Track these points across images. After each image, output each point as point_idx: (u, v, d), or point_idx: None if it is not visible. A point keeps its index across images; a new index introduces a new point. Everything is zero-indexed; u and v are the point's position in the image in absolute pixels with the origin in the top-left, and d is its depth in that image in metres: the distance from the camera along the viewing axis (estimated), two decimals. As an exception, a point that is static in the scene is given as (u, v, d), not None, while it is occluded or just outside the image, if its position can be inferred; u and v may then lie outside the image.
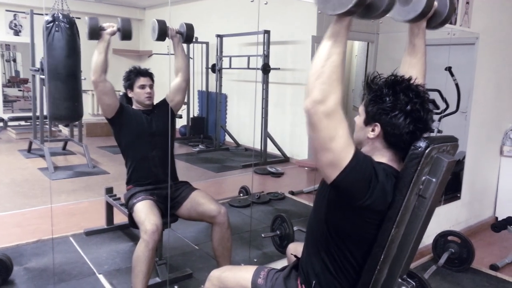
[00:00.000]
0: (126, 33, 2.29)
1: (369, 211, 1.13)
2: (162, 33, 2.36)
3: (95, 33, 2.20)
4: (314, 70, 1.04)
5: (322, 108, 1.01)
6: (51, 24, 3.18)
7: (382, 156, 1.22)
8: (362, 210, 1.12)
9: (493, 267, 2.99)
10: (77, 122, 5.12)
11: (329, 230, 1.22)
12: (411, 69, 1.39)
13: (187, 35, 2.47)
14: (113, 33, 2.26)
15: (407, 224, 1.19)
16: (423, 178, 1.16)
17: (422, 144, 1.13)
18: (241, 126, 6.09)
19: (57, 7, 3.88)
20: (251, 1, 2.01)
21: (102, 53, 2.21)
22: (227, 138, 6.18)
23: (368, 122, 1.22)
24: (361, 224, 1.16)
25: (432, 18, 1.40)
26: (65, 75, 3.19)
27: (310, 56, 4.75)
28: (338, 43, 1.03)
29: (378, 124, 1.19)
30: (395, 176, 1.17)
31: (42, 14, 4.83)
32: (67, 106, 3.28)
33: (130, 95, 2.42)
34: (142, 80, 2.38)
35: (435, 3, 1.35)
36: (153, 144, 2.35)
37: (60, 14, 3.24)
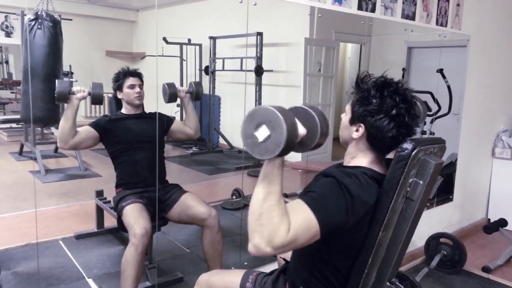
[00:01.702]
0: (97, 98, 2.21)
1: (355, 225, 1.12)
2: (173, 96, 2.41)
3: (64, 97, 2.11)
4: (252, 212, 1.01)
5: (268, 250, 0.97)
6: (34, 21, 3.11)
7: (364, 158, 1.21)
8: (349, 229, 1.11)
9: (485, 269, 2.99)
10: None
11: (315, 245, 1.20)
12: None
13: (197, 93, 2.51)
14: (83, 98, 2.18)
15: (394, 226, 1.18)
16: (410, 180, 1.15)
17: (408, 146, 1.12)
18: (235, 128, 6.07)
19: (41, 7, 3.82)
20: (240, 2, 2.00)
21: (70, 119, 2.15)
22: (221, 140, 6.17)
23: (353, 121, 1.21)
24: (349, 236, 1.15)
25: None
26: (45, 75, 3.06)
27: (303, 58, 4.75)
28: (273, 182, 1.02)
29: (363, 125, 1.18)
30: (376, 178, 1.16)
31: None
32: (45, 107, 3.09)
33: (119, 96, 2.40)
34: (131, 80, 2.36)
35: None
36: (142, 148, 2.33)
37: (43, 13, 3.17)
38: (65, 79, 3.68)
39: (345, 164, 1.25)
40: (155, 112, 2.41)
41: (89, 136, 2.27)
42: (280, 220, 0.98)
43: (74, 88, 2.16)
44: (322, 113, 1.17)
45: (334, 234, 1.11)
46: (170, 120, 2.51)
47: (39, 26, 3.10)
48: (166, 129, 2.49)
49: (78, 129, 2.23)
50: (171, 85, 2.42)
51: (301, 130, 1.08)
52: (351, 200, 1.08)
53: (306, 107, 1.18)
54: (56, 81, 2.14)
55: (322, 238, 1.06)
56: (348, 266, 1.20)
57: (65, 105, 2.18)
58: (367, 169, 1.18)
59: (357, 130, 1.20)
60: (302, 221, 1.03)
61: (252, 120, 1.01)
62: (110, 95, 2.48)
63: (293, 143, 1.00)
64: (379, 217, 1.13)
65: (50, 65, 3.16)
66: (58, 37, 3.21)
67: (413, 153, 1.11)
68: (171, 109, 3.04)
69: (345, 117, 1.25)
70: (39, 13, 3.15)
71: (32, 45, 3.10)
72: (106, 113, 2.85)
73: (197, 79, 6.32)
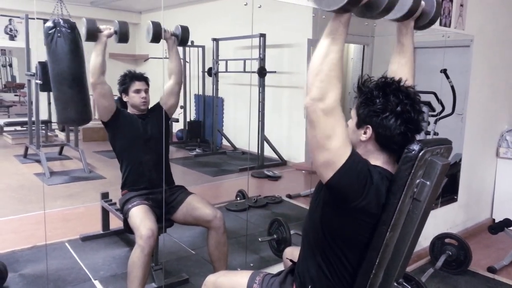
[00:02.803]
0: (123, 36, 2.30)
1: (363, 213, 1.13)
2: (157, 35, 2.36)
3: (93, 35, 2.22)
4: (312, 67, 1.05)
5: (320, 105, 1.03)
6: (53, 30, 3.18)
7: (376, 159, 1.21)
8: (356, 212, 1.12)
9: (491, 270, 2.98)
10: (72, 128, 5.10)
11: (324, 233, 1.22)
12: (400, 69, 1.39)
13: (182, 37, 2.47)
14: (110, 35, 2.28)
15: (402, 227, 1.19)
16: (417, 181, 1.15)
17: (415, 147, 1.12)
18: (238, 130, 6.09)
19: (56, 12, 3.88)
20: (245, 5, 2.01)
21: (99, 55, 2.24)
22: (224, 142, 6.18)
23: (360, 125, 1.22)
24: (356, 226, 1.16)
25: (420, 18, 1.41)
26: (71, 80, 3.20)
27: (306, 59, 4.75)
28: (336, 41, 1.04)
29: (370, 127, 1.19)
30: (389, 179, 1.17)
31: (34, 19, 4.83)
32: (76, 109, 3.32)
33: (125, 99, 2.41)
34: (137, 85, 2.37)
35: (422, 3, 1.36)
36: (148, 149, 2.34)
37: (60, 20, 3.24)
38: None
39: None
40: (155, 105, 2.43)
41: (111, 99, 2.30)
42: (337, 82, 1.04)
43: (101, 26, 2.26)
44: None
45: (338, 209, 1.15)
46: (157, 103, 2.49)
47: (58, 35, 3.19)
48: (164, 112, 2.41)
49: None
50: (156, 24, 2.36)
51: None
52: (371, 185, 1.11)
53: None
54: (85, 19, 2.21)
55: (327, 184, 1.09)
56: (355, 265, 1.21)
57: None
58: (382, 169, 1.19)
59: (365, 133, 1.20)
60: (346, 132, 1.10)
61: None
62: (116, 97, 2.49)
63: None
64: (387, 217, 1.13)
65: (75, 70, 3.30)
66: (78, 42, 3.31)
67: (420, 154, 1.11)
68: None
69: (351, 122, 1.26)
70: (56, 20, 3.21)
71: (56, 55, 3.22)
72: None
73: (200, 81, 6.35)
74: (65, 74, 3.19)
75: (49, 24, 3.19)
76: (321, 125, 1.05)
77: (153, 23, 2.35)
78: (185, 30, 2.47)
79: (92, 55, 2.24)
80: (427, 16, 1.40)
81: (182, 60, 2.42)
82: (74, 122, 4.28)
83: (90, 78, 2.23)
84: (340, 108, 1.06)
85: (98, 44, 2.25)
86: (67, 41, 3.22)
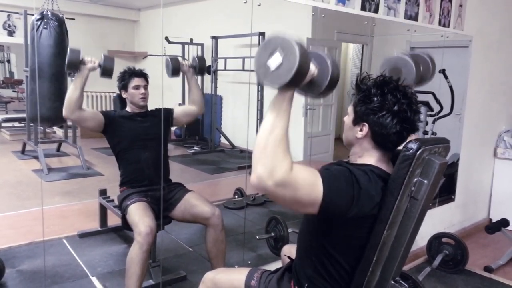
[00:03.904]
0: (107, 71, 2.19)
1: (358, 218, 1.13)
2: (176, 69, 2.39)
3: (75, 66, 2.11)
4: (257, 143, 1.02)
5: (269, 182, 0.97)
6: (40, 21, 3.13)
7: (371, 157, 1.22)
8: (350, 220, 1.12)
9: (487, 269, 3.00)
10: (70, 123, 5.08)
11: (320, 240, 1.22)
12: None
13: (200, 68, 2.50)
14: (93, 69, 2.19)
15: (399, 226, 1.19)
16: (415, 179, 1.16)
17: (413, 145, 1.13)
18: (237, 128, 6.08)
19: (46, 6, 3.85)
20: (244, 2, 2.01)
21: (78, 89, 2.15)
22: (223, 140, 6.18)
23: (356, 122, 1.22)
24: (352, 230, 1.17)
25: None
26: (52, 74, 3.09)
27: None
28: (280, 116, 1.03)
29: (366, 124, 1.20)
30: (383, 177, 1.17)
31: (33, 15, 4.80)
32: (54, 106, 3.11)
33: (124, 96, 2.41)
34: (136, 81, 2.37)
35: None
36: (147, 147, 2.35)
37: (49, 12, 3.20)
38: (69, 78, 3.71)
39: (351, 162, 1.27)
40: (159, 108, 2.42)
41: (96, 117, 2.28)
42: (284, 156, 1.00)
43: (86, 58, 2.16)
44: (334, 59, 1.14)
45: (333, 221, 1.13)
46: (171, 110, 2.50)
47: (45, 26, 3.12)
48: (170, 120, 2.48)
49: (87, 109, 2.25)
50: (174, 59, 2.39)
51: (313, 67, 1.08)
52: (359, 191, 1.10)
53: (318, 52, 1.15)
54: (69, 48, 2.13)
55: (319, 214, 1.07)
56: (352, 263, 1.21)
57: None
58: (375, 167, 1.19)
59: (361, 130, 1.21)
60: (309, 177, 1.05)
61: (267, 48, 1.03)
62: (114, 94, 2.49)
63: (304, 72, 1.00)
64: (384, 216, 1.14)
65: (56, 64, 3.17)
66: (64, 36, 3.23)
67: (418, 152, 1.12)
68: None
69: (348, 118, 1.26)
70: (44, 12, 3.17)
71: (39, 45, 3.12)
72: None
73: (199, 79, 6.33)
74: (45, 67, 3.09)
75: (37, 15, 3.15)
76: (280, 197, 1.00)
77: (171, 59, 2.38)
78: (201, 60, 2.51)
79: (69, 88, 2.14)
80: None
81: (180, 58, 2.41)
82: (49, 121, 3.81)
83: (64, 111, 2.14)
84: (294, 173, 0.99)
85: (78, 76, 2.15)
86: (53, 33, 3.16)
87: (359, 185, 1.10)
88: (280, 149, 1.00)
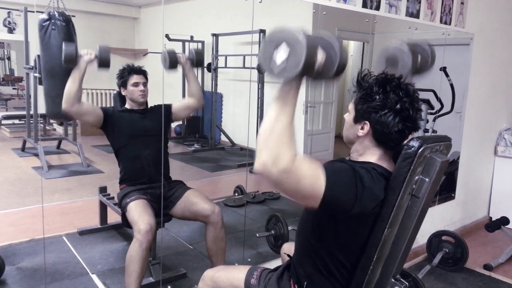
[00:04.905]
0: (103, 61, 2.19)
1: (360, 216, 1.13)
2: (173, 62, 2.37)
3: (72, 59, 2.13)
4: (263, 131, 1.01)
5: (274, 169, 0.97)
6: (47, 22, 3.16)
7: (372, 155, 1.21)
8: (352, 218, 1.12)
9: (487, 267, 3.00)
10: (71, 121, 5.08)
11: (320, 237, 1.21)
12: None
13: (197, 60, 2.49)
14: (90, 61, 2.19)
15: (400, 224, 1.19)
16: (416, 177, 1.16)
17: (415, 143, 1.13)
18: (237, 126, 6.07)
19: (52, 5, 3.85)
20: (246, 0, 2.00)
21: (76, 81, 2.16)
22: (223, 138, 6.17)
23: (357, 120, 1.22)
24: (353, 228, 1.16)
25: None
26: (63, 73, 3.15)
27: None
28: (287, 105, 1.02)
29: (367, 122, 1.19)
30: (385, 175, 1.17)
31: (33, 12, 4.80)
32: None
33: (123, 93, 2.41)
34: (135, 78, 2.36)
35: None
36: (146, 144, 2.34)
37: (56, 12, 3.22)
38: None
39: (353, 160, 1.26)
40: (158, 105, 2.42)
41: (95, 112, 2.28)
42: (288, 145, 0.99)
43: (82, 51, 2.17)
44: (341, 42, 1.08)
45: (337, 218, 1.13)
46: (169, 106, 2.50)
47: (53, 27, 3.16)
48: (170, 116, 2.47)
49: (87, 103, 2.26)
50: (171, 52, 2.37)
51: (320, 55, 1.04)
52: (363, 190, 1.09)
53: (325, 36, 1.09)
54: (63, 43, 2.14)
55: (320, 208, 1.07)
56: (353, 261, 1.21)
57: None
58: (377, 166, 1.19)
59: (362, 128, 1.20)
60: (313, 169, 1.04)
61: (272, 42, 1.00)
62: (114, 91, 2.48)
63: (312, 64, 0.98)
64: (385, 213, 1.13)
65: None
66: (72, 35, 3.29)
67: (420, 150, 1.12)
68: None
69: (349, 116, 1.25)
70: (51, 13, 3.19)
71: (49, 46, 3.17)
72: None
73: (199, 76, 6.33)
74: (57, 67, 3.15)
75: (44, 16, 3.17)
76: (283, 185, 1.00)
77: (168, 52, 2.36)
78: (198, 53, 2.49)
79: (68, 81, 2.16)
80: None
81: (180, 54, 2.40)
82: (63, 116, 3.98)
83: (63, 104, 2.15)
84: (297, 161, 0.99)
85: (76, 70, 2.16)
86: (61, 34, 3.19)
87: (363, 184, 1.10)
88: (285, 138, 1.00)
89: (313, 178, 1.03)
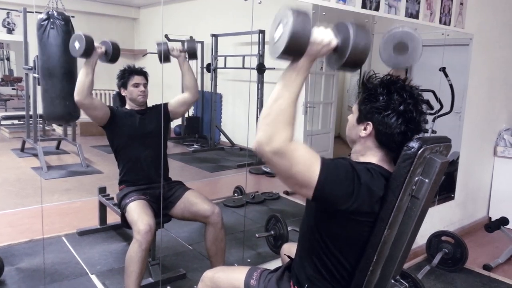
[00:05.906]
0: (115, 56, 2.30)
1: (358, 214, 1.12)
2: (166, 55, 2.37)
3: (90, 51, 2.20)
4: (263, 110, 1.04)
5: (267, 148, 0.99)
6: (46, 21, 3.15)
7: (373, 156, 1.21)
8: (350, 214, 1.12)
9: (486, 267, 3.00)
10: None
11: (320, 236, 1.21)
12: None
13: (190, 50, 2.47)
14: (101, 54, 2.27)
15: (400, 225, 1.19)
16: (416, 178, 1.15)
17: (415, 144, 1.12)
18: (236, 126, 6.07)
19: (51, 5, 3.85)
20: (245, 0, 2.00)
21: (89, 74, 2.19)
22: (222, 138, 6.17)
23: (360, 120, 1.22)
24: (352, 227, 1.16)
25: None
26: (62, 73, 3.14)
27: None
28: (287, 87, 1.03)
29: (370, 123, 1.19)
30: (385, 176, 1.16)
31: (32, 12, 4.79)
32: (65, 104, 3.21)
33: (123, 93, 2.40)
34: (136, 79, 2.37)
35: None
36: (146, 144, 2.34)
37: (54, 12, 3.21)
38: None
39: (354, 160, 1.26)
40: (157, 104, 2.42)
41: (104, 107, 2.30)
42: (284, 126, 1.01)
43: (96, 44, 2.24)
44: (362, 27, 1.04)
45: (336, 216, 1.13)
46: (165, 104, 2.48)
47: (52, 26, 3.16)
48: (168, 114, 2.45)
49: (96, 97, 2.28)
50: (163, 43, 2.36)
51: (328, 36, 1.02)
52: (359, 187, 1.09)
53: (346, 22, 1.05)
54: (83, 36, 2.18)
55: (313, 200, 1.08)
56: (353, 263, 1.20)
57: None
58: (377, 166, 1.18)
59: (365, 129, 1.20)
60: (308, 157, 1.04)
61: (274, 22, 1.01)
62: (113, 92, 2.48)
63: (301, 41, 0.96)
64: (385, 214, 1.13)
65: (66, 63, 3.23)
66: (71, 35, 3.26)
67: (419, 151, 1.12)
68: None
69: (352, 117, 1.26)
70: (50, 12, 3.18)
71: (47, 46, 3.17)
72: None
73: (199, 77, 6.32)
74: (56, 67, 3.14)
75: (43, 15, 3.16)
76: (276, 166, 1.02)
77: (160, 43, 2.35)
78: (191, 44, 2.47)
79: (81, 73, 2.19)
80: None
81: (172, 47, 2.40)
82: (61, 119, 3.95)
83: (76, 96, 2.18)
84: (292, 145, 1.01)
85: (89, 62, 2.21)
86: (60, 33, 3.18)
87: (360, 181, 1.09)
88: (282, 118, 1.01)
89: (306, 165, 1.04)
